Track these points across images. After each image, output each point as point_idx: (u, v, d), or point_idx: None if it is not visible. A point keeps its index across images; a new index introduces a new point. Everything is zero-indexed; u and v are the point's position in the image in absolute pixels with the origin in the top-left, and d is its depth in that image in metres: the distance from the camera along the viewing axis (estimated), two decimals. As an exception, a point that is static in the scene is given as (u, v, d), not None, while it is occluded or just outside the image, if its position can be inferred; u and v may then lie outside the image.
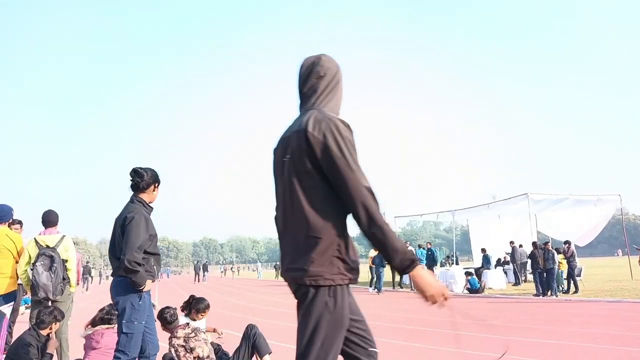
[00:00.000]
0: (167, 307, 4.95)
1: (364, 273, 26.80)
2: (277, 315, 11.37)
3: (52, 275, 5.05)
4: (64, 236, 5.27)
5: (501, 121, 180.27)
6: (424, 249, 18.84)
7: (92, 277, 37.76)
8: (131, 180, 3.68)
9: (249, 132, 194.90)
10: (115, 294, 3.53)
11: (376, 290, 17.58)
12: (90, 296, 24.47)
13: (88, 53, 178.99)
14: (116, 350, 3.51)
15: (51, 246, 5.13)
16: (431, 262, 18.14)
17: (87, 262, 43.60)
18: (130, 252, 3.39)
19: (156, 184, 3.79)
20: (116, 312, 4.35)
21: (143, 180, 3.67)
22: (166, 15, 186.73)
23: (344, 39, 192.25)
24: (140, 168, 3.70)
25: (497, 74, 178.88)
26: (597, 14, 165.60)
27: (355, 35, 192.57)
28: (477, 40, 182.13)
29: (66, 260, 5.22)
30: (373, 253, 18.35)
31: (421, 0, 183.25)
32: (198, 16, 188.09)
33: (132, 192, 3.74)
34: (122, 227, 3.50)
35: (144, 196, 3.73)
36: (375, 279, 18.01)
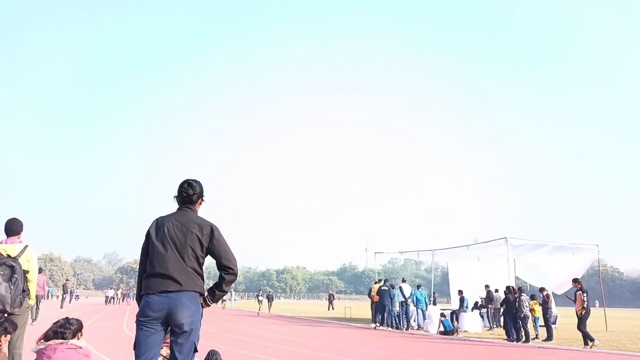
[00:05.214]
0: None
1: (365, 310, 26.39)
2: (242, 345, 11.12)
3: (12, 287, 4.83)
4: (26, 246, 5.09)
5: (487, 167, 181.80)
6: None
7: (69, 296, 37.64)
8: (184, 192, 3.61)
9: (226, 157, 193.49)
10: (186, 310, 3.29)
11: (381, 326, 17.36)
12: (65, 313, 23.72)
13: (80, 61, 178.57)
14: None
15: (12, 256, 4.94)
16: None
17: (67, 279, 43.04)
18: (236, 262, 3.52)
19: (203, 197, 3.75)
20: (72, 327, 4.17)
21: (196, 192, 3.64)
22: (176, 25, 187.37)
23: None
24: (193, 180, 3.67)
25: (483, 116, 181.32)
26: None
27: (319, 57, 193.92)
28: (460, 79, 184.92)
29: (27, 271, 5.04)
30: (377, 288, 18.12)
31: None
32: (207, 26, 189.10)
33: (179, 204, 3.64)
34: (210, 236, 3.46)
35: (198, 208, 3.71)
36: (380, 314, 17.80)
